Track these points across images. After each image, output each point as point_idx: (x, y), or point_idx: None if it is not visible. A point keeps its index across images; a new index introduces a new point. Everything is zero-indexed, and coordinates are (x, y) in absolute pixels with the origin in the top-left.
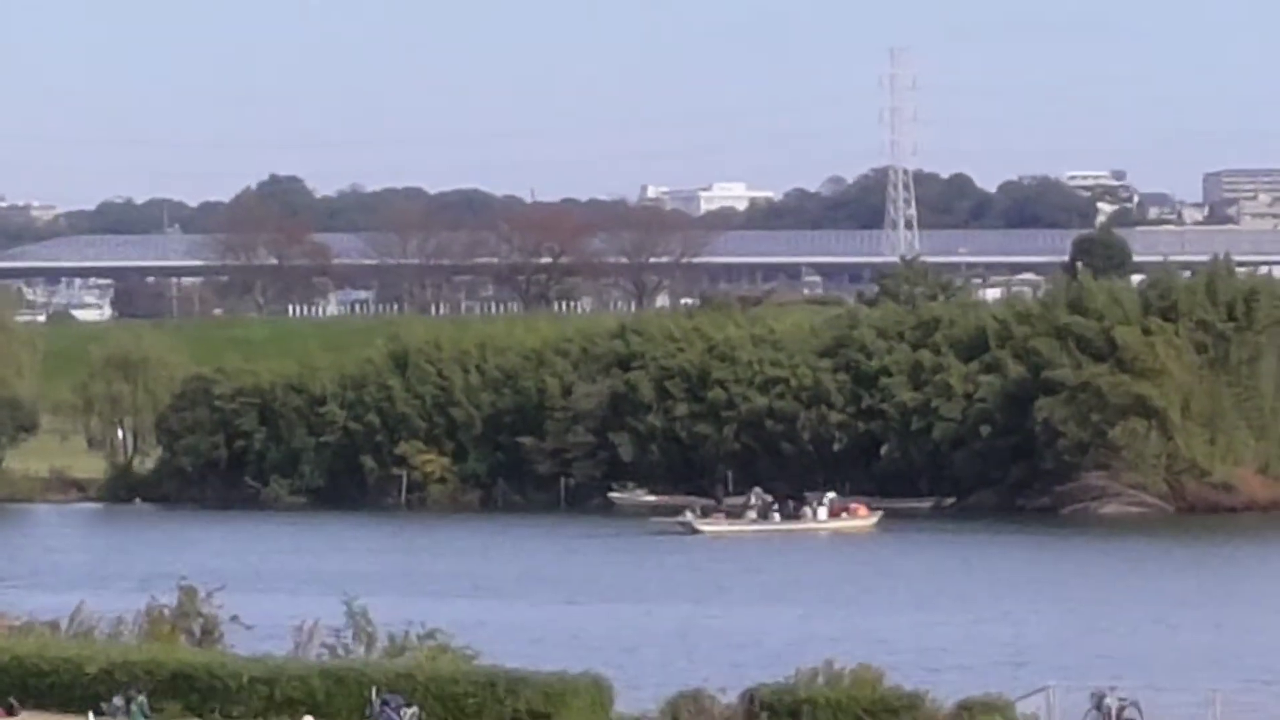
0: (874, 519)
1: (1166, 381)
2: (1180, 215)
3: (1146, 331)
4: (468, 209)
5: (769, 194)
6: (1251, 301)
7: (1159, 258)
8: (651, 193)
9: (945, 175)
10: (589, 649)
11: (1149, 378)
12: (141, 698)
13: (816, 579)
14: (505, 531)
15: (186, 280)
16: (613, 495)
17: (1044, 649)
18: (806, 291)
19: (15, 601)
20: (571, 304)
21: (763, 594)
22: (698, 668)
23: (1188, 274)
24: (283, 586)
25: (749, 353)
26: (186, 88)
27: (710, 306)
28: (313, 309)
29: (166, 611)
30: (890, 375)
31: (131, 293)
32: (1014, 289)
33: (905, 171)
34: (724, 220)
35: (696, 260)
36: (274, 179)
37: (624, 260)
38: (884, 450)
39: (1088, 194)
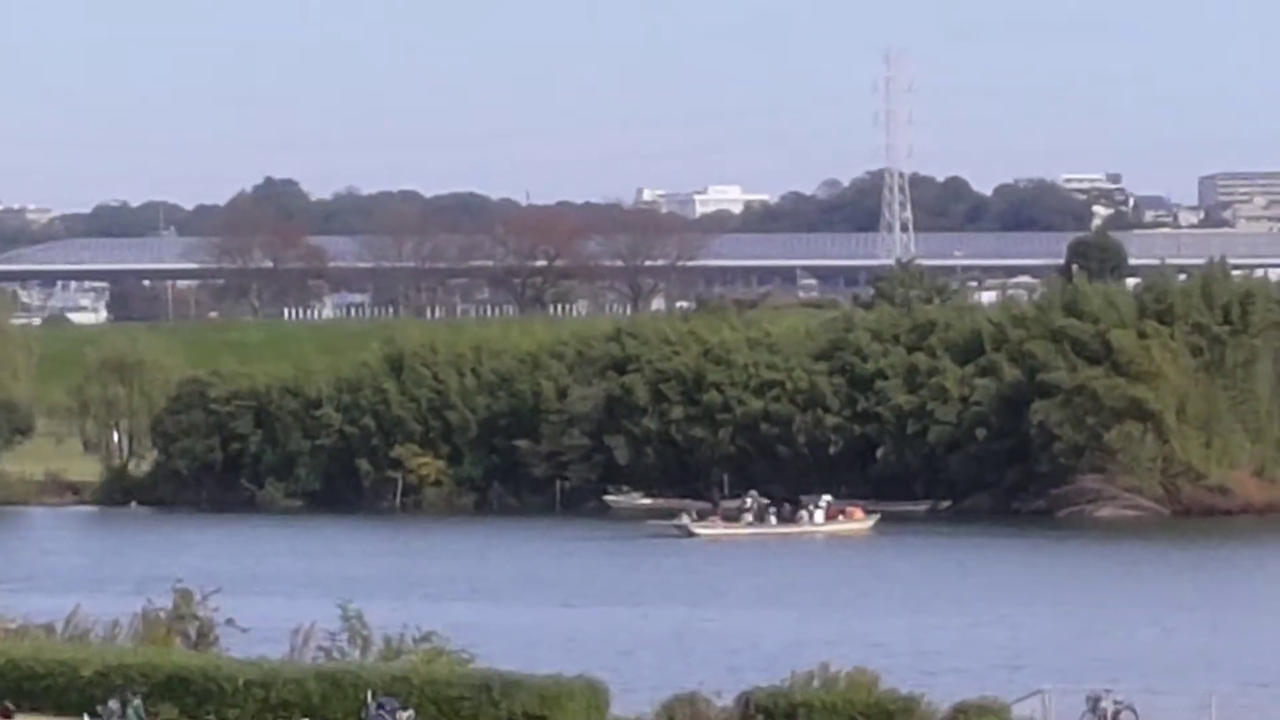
0: (870, 522)
1: (1162, 385)
2: (1176, 218)
3: (1142, 335)
4: (463, 212)
5: (764, 197)
6: (1247, 304)
7: (1154, 261)
8: (647, 195)
9: (941, 178)
10: (585, 652)
11: (1144, 381)
12: (137, 701)
13: (813, 582)
14: (501, 534)
15: (182, 283)
16: (608, 498)
17: (1040, 652)
18: (802, 294)
19: (11, 604)
20: (567, 307)
21: (759, 597)
22: (694, 671)
23: (1183, 277)
24: (278, 590)
25: (744, 356)
26: (182, 90)
27: (706, 309)
28: (308, 312)
29: (162, 614)
30: (886, 378)
31: (127, 296)
32: (1009, 292)
33: (901, 174)
34: (719, 223)
35: (692, 263)
36: (269, 182)
37: (619, 263)
38: (879, 453)
39: (1083, 197)
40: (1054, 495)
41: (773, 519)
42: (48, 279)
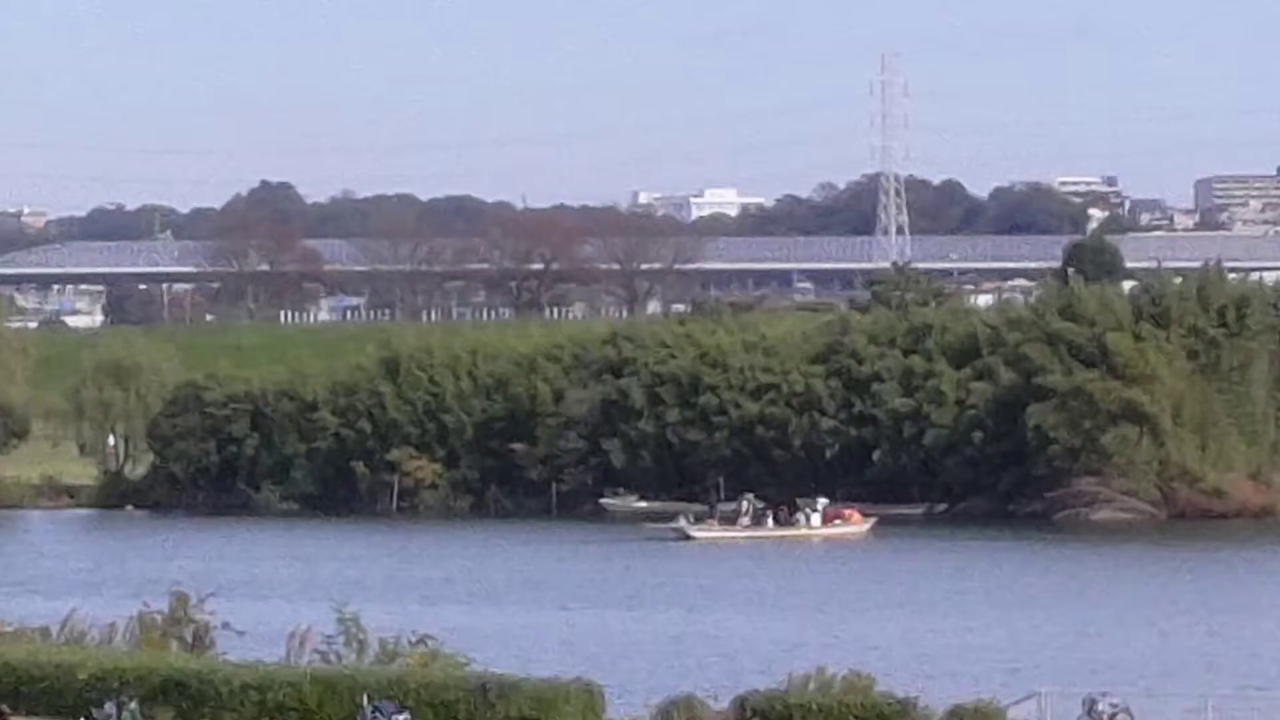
0: (867, 525)
1: (1158, 388)
2: (1172, 221)
3: (1138, 338)
4: (459, 215)
5: (760, 200)
6: (1243, 308)
7: (1150, 264)
8: (643, 199)
9: (937, 181)
10: (581, 655)
11: (1140, 384)
12: (133, 704)
13: (810, 585)
14: (497, 537)
15: (178, 286)
16: (604, 501)
17: (1036, 655)
18: (798, 298)
19: (6, 608)
20: (563, 310)
21: (756, 600)
22: (690, 674)
23: (1179, 280)
24: (275, 593)
25: (740, 359)
26: (178, 94)
27: (702, 313)
28: (304, 315)
29: (158, 618)
30: (882, 381)
31: (123, 299)
32: (1005, 295)
33: (897, 178)
34: (715, 226)
35: (688, 266)
36: (265, 185)
37: (615, 266)
38: (875, 456)
39: (1079, 200)
40: (1050, 498)
41: (769, 522)
42: (43, 282)
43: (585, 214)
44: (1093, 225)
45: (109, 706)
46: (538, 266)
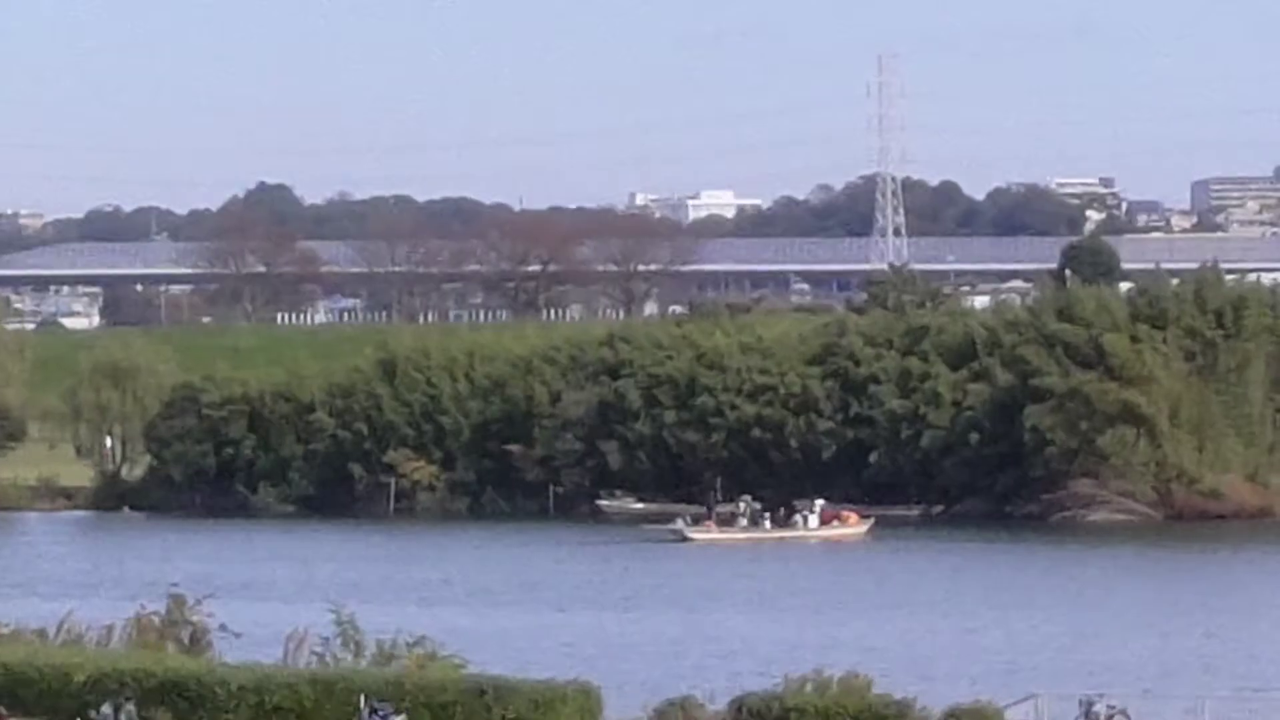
0: (865, 527)
1: (1155, 389)
2: (1169, 223)
3: (1135, 339)
4: (456, 217)
5: (757, 202)
6: (1240, 309)
7: (1147, 265)
8: (640, 200)
9: (934, 183)
10: (578, 657)
11: (1137, 385)
12: (130, 705)
13: (808, 587)
14: (494, 539)
15: (175, 288)
16: (601, 503)
17: (1034, 656)
18: (795, 299)
19: (4, 609)
20: (560, 312)
21: (754, 602)
22: (688, 675)
23: (1176, 282)
24: (272, 595)
25: (737, 360)
26: (175, 95)
27: (698, 314)
28: (301, 317)
29: (156, 619)
30: (879, 383)
31: (120, 301)
32: (1002, 297)
33: (893, 179)
34: (712, 228)
35: (685, 268)
36: (262, 187)
37: (612, 268)
38: (872, 458)
39: (1076, 201)
40: (1047, 500)
41: (767, 523)
42: (40, 284)
43: (582, 215)
44: (1090, 227)
45: (106, 708)
46: (535, 268)
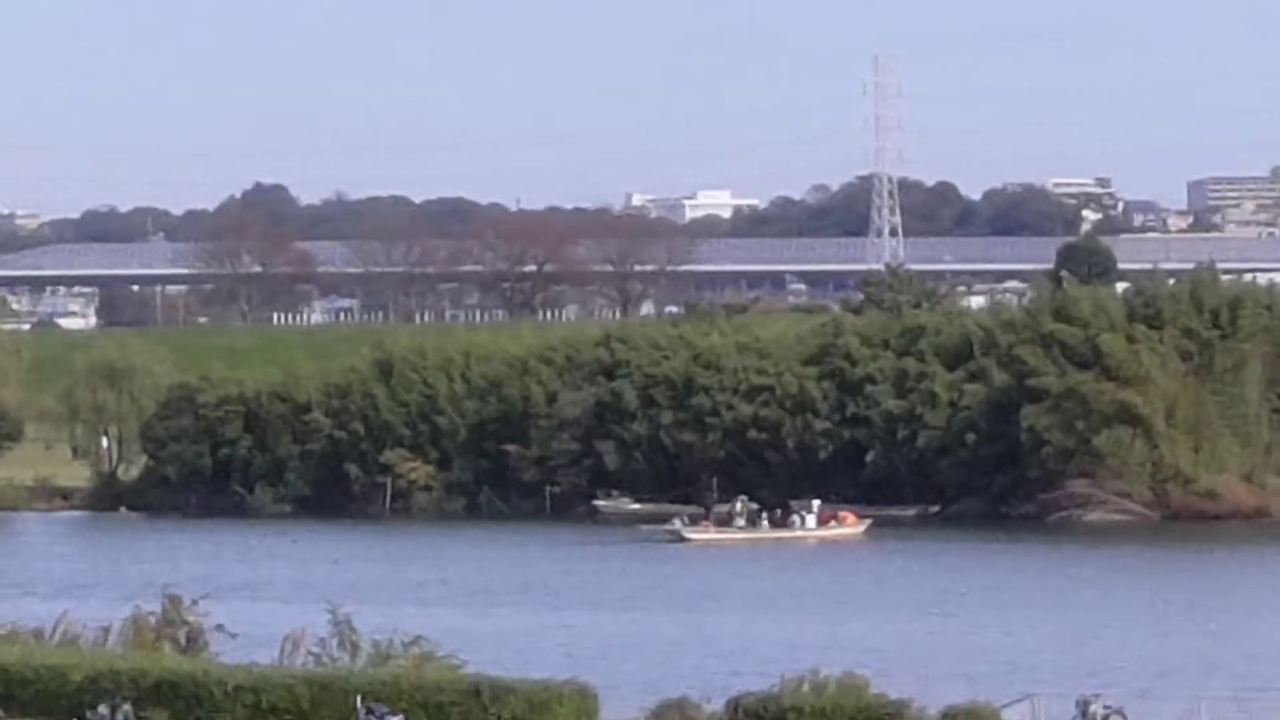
0: (862, 527)
1: (1151, 389)
2: (1165, 223)
3: (1131, 339)
4: (452, 217)
5: (754, 202)
6: (1236, 309)
7: (1144, 265)
8: (636, 200)
9: (930, 183)
10: (575, 657)
11: (1134, 385)
12: (127, 706)
13: (805, 587)
14: (490, 539)
15: (171, 288)
16: (597, 503)
17: (1032, 656)
18: (791, 299)
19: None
20: (556, 312)
21: (751, 602)
22: (686, 676)
23: (1172, 282)
24: (268, 595)
25: (734, 361)
26: (171, 96)
27: (695, 314)
28: (297, 317)
29: (152, 619)
30: (875, 383)
31: (116, 301)
32: (999, 297)
33: (890, 179)
34: (709, 228)
35: (681, 268)
36: (258, 187)
37: (609, 268)
38: (869, 458)
39: (1072, 201)
40: (1043, 500)
41: (765, 524)
42: (37, 284)
43: (578, 216)
44: (1086, 227)
45: (102, 708)
46: (531, 268)
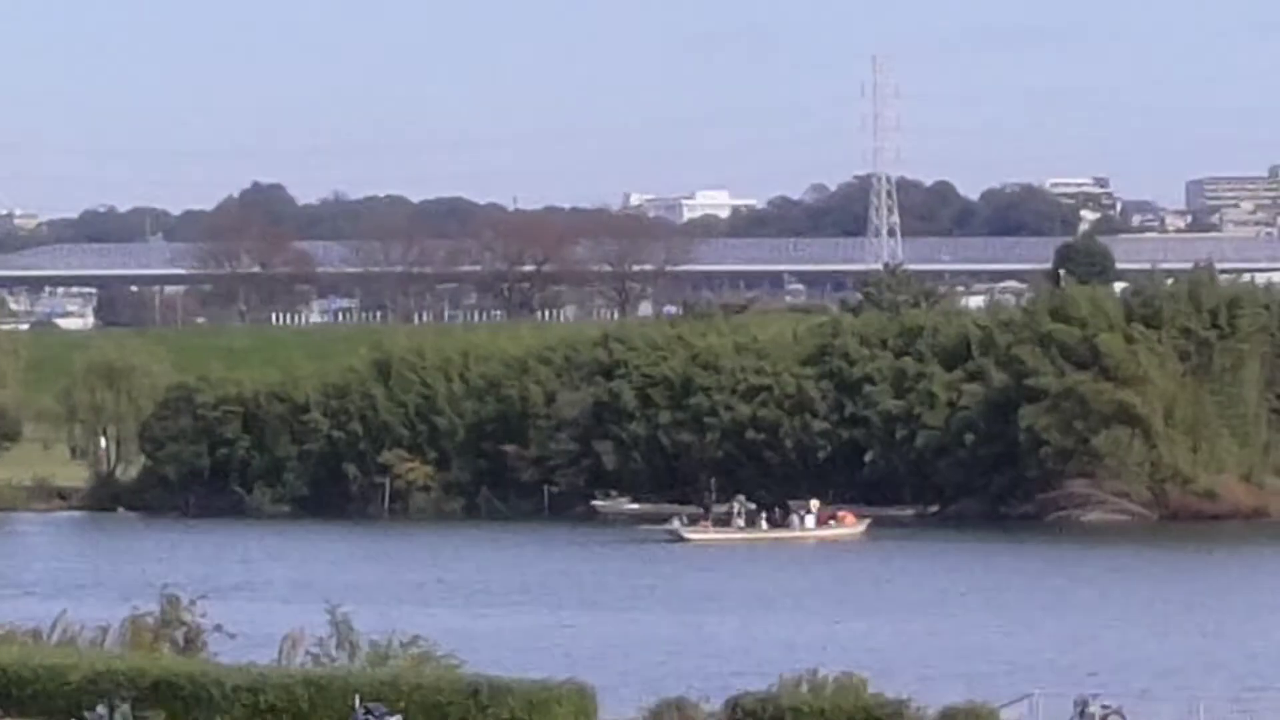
0: (861, 527)
1: (1149, 389)
2: (1163, 223)
3: (1129, 339)
4: (451, 217)
5: (752, 202)
6: (1234, 309)
7: (1142, 265)
8: (634, 200)
9: (928, 183)
10: (574, 657)
11: (1132, 385)
12: (125, 706)
13: (804, 587)
14: (489, 540)
15: (169, 289)
16: (596, 503)
17: (1030, 656)
18: (789, 299)
19: None
20: (555, 312)
21: (750, 602)
22: (685, 676)
23: (1170, 281)
24: (266, 595)
25: (732, 361)
26: (169, 96)
27: (693, 314)
28: (296, 317)
29: (150, 620)
30: (873, 383)
31: (114, 301)
32: (997, 297)
33: (888, 179)
34: (707, 228)
35: (679, 268)
36: (257, 187)
37: (607, 268)
38: (867, 458)
39: (1071, 201)
40: (1041, 500)
41: (764, 524)
42: (35, 284)
43: (577, 216)
44: (1084, 227)
45: (100, 709)
46: (529, 268)
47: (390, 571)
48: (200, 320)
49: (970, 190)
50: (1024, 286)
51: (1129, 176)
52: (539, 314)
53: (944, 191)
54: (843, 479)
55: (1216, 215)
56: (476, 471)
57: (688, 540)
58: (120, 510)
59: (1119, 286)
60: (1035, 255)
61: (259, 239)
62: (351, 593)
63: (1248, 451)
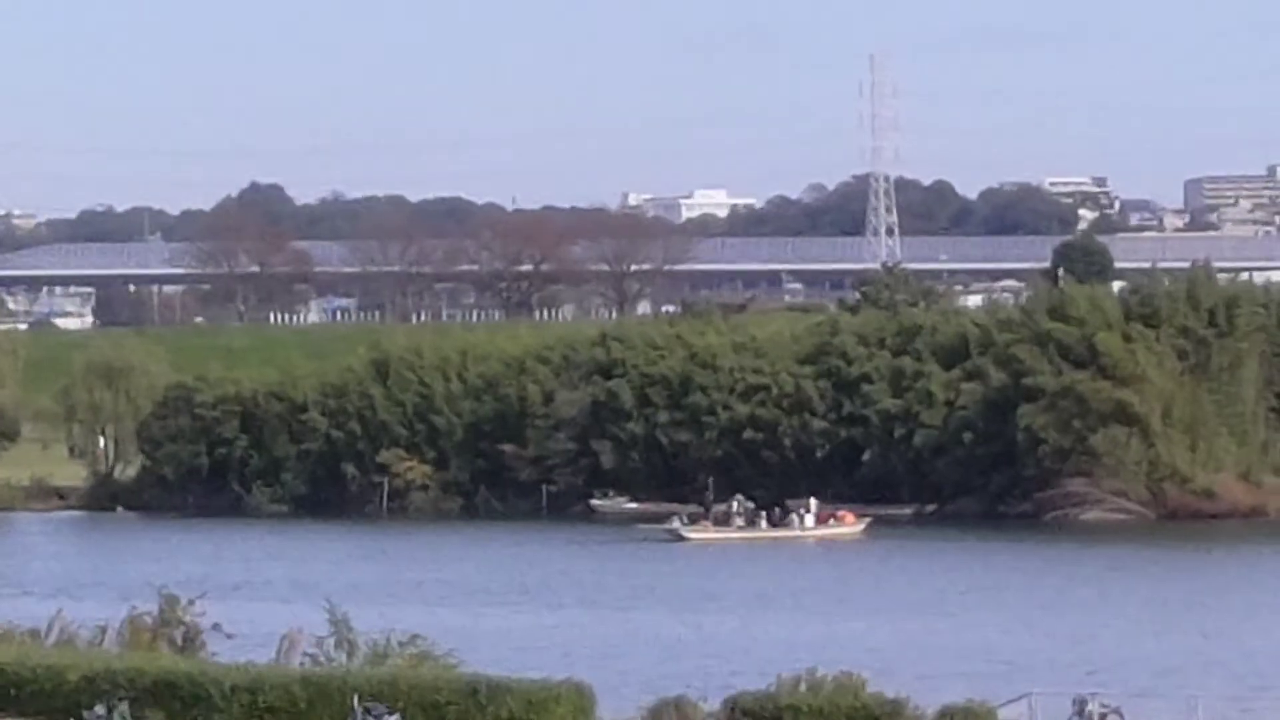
0: (861, 526)
1: (1148, 388)
2: (1161, 222)
3: (1127, 338)
4: (449, 216)
5: (750, 201)
6: (1232, 308)
7: (1140, 264)
8: (632, 200)
9: (926, 182)
10: (573, 656)
11: (1130, 384)
12: (123, 706)
13: (804, 586)
14: (487, 539)
15: (168, 288)
16: (594, 503)
17: (1029, 656)
18: (788, 298)
19: None
20: (553, 311)
21: (750, 601)
22: (684, 675)
23: (1169, 280)
24: (265, 594)
25: (730, 360)
26: (168, 95)
27: (691, 314)
28: (294, 317)
29: (148, 619)
30: (872, 382)
31: (113, 301)
32: (995, 296)
33: (886, 178)
34: (705, 227)
35: (678, 268)
36: (255, 187)
37: (605, 268)
38: (865, 457)
39: (1069, 200)
40: (1040, 499)
41: (763, 523)
42: (33, 284)
43: (575, 215)
44: (1082, 226)
45: (99, 709)
46: (527, 268)
47: (389, 571)
48: (199, 320)
49: (968, 189)
50: (1022, 286)
51: (1127, 176)
52: (537, 313)
53: (942, 191)
54: (841, 478)
55: (1215, 214)
56: (475, 471)
57: (687, 539)
58: (119, 510)
59: (1117, 286)
60: (1033, 254)
61: (257, 239)
62: (350, 592)
63: (1246, 450)
